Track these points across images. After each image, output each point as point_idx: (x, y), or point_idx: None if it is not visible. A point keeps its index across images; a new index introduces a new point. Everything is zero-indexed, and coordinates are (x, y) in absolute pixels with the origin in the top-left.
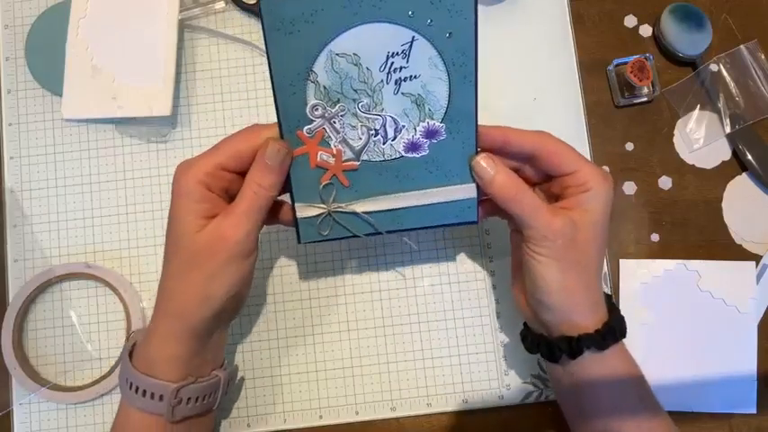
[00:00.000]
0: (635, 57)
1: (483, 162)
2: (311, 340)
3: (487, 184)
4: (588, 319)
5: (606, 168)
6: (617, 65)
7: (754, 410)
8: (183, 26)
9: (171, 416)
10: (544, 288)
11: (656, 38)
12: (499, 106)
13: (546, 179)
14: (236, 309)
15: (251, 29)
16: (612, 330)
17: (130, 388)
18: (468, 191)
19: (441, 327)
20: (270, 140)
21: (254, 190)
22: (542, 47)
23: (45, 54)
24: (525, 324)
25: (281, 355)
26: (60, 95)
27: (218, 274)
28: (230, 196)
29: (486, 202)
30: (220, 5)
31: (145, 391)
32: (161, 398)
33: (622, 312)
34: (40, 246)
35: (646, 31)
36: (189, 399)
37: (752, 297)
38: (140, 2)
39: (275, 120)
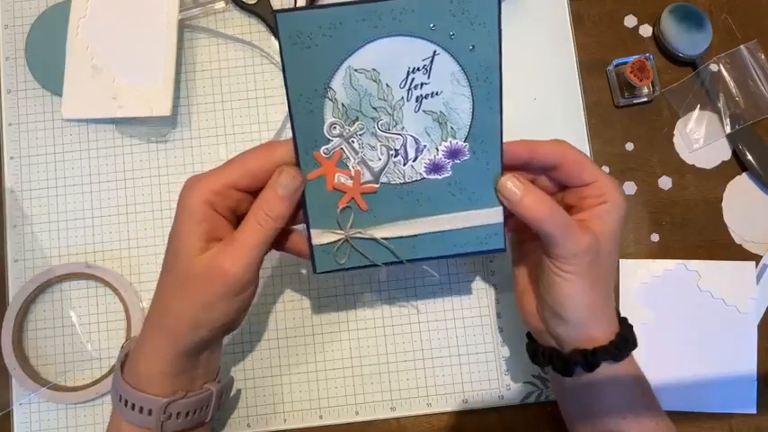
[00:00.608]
0: (635, 57)
1: (509, 183)
2: (311, 340)
3: (516, 205)
4: (603, 332)
5: (606, 168)
6: (617, 65)
7: (754, 410)
8: (183, 26)
9: (160, 430)
10: (568, 304)
11: (656, 38)
12: None
13: (560, 189)
14: (230, 331)
15: (251, 29)
16: (626, 340)
17: (120, 400)
18: (493, 215)
19: (441, 327)
20: (284, 168)
21: (259, 221)
22: (542, 47)
23: (45, 54)
24: (529, 335)
25: (281, 355)
26: (60, 95)
27: (211, 305)
28: (237, 216)
29: (509, 220)
30: (220, 5)
31: (134, 405)
32: (150, 412)
33: (622, 313)
34: (40, 246)
35: (646, 31)
36: (179, 413)
37: (752, 297)
38: (140, 2)
39: (275, 120)
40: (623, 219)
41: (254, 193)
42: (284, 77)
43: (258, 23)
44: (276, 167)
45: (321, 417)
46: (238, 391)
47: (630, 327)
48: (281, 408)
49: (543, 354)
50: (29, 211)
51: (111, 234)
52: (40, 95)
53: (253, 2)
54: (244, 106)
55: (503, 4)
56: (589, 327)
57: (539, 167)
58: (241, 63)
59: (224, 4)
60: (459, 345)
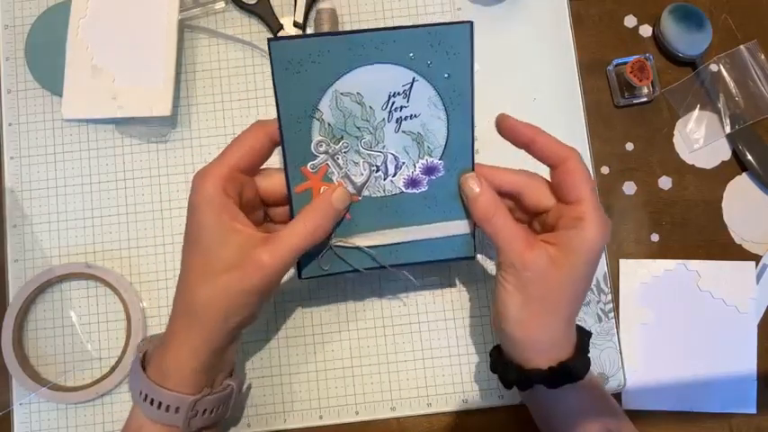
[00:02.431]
0: (635, 57)
1: (470, 180)
2: (311, 340)
3: (471, 202)
4: (542, 357)
5: (606, 169)
6: (617, 65)
7: (754, 410)
8: (183, 26)
9: (187, 428)
10: (502, 315)
11: (656, 38)
12: (499, 106)
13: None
14: (251, 322)
15: (251, 29)
16: (567, 371)
17: (145, 399)
18: (463, 227)
19: (440, 327)
20: (339, 187)
21: (307, 227)
22: (542, 47)
23: (45, 54)
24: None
25: (281, 355)
26: (60, 95)
27: (245, 295)
28: (243, 200)
29: None
30: (220, 5)
31: (160, 403)
32: (177, 410)
33: (623, 312)
34: (40, 246)
35: (646, 31)
36: (204, 410)
37: (752, 297)
38: (140, 2)
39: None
40: (594, 255)
41: (253, 174)
42: (276, 100)
43: (258, 23)
44: (272, 141)
45: (321, 417)
46: (246, 390)
47: (584, 360)
48: (281, 408)
49: (496, 359)
50: (29, 211)
51: (111, 234)
52: (40, 95)
53: (253, 2)
54: (244, 106)
55: (503, 4)
56: (524, 348)
57: (539, 158)
58: (241, 63)
59: (224, 4)
60: (459, 345)
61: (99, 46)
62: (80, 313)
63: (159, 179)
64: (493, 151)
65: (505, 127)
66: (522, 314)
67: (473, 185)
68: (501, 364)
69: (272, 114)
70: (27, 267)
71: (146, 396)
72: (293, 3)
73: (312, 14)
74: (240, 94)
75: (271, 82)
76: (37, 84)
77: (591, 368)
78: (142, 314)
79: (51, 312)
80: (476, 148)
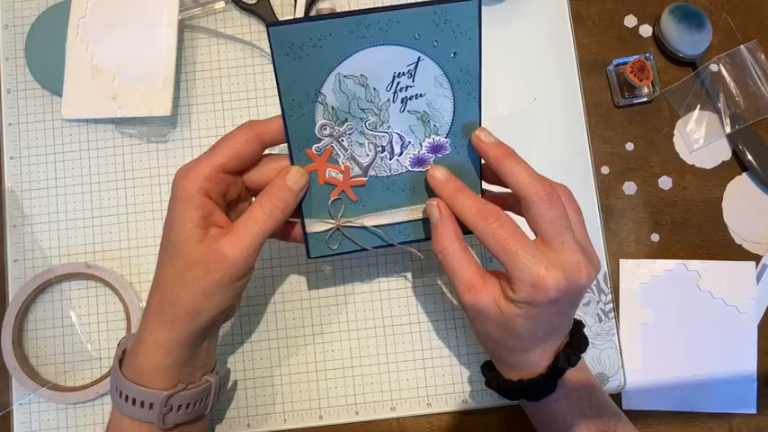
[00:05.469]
0: (635, 57)
1: (432, 208)
2: (311, 340)
3: (432, 228)
4: (512, 373)
5: (606, 169)
6: (617, 65)
7: (754, 410)
8: (183, 26)
9: (162, 424)
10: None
11: (656, 38)
12: (499, 107)
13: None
14: (227, 318)
15: (251, 29)
16: (523, 389)
17: (120, 396)
18: None
19: (441, 327)
20: (293, 166)
21: (265, 211)
22: (542, 47)
23: (45, 54)
24: None
25: (281, 355)
26: (60, 95)
27: (210, 292)
28: (227, 200)
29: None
30: (220, 5)
31: (134, 400)
32: (151, 406)
33: (622, 312)
34: (40, 246)
35: (646, 31)
36: (180, 406)
37: (752, 297)
38: (140, 2)
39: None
40: (548, 300)
41: (240, 174)
42: (277, 85)
43: (258, 23)
44: (262, 145)
45: (321, 417)
46: (238, 391)
47: (555, 371)
48: (281, 408)
49: (482, 367)
50: (29, 211)
51: (110, 234)
52: (40, 95)
53: (253, 2)
54: (244, 106)
55: (503, 4)
56: (492, 358)
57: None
58: (241, 63)
59: (224, 4)
60: (458, 345)
61: (99, 46)
62: (80, 313)
63: (159, 179)
64: None
65: (474, 145)
66: (477, 337)
67: (434, 213)
68: (486, 367)
69: (273, 114)
70: (27, 267)
71: (120, 393)
72: (293, 3)
73: (312, 14)
74: (240, 94)
75: (273, 80)
76: (37, 84)
77: (588, 369)
78: (142, 314)
79: (51, 312)
80: None
